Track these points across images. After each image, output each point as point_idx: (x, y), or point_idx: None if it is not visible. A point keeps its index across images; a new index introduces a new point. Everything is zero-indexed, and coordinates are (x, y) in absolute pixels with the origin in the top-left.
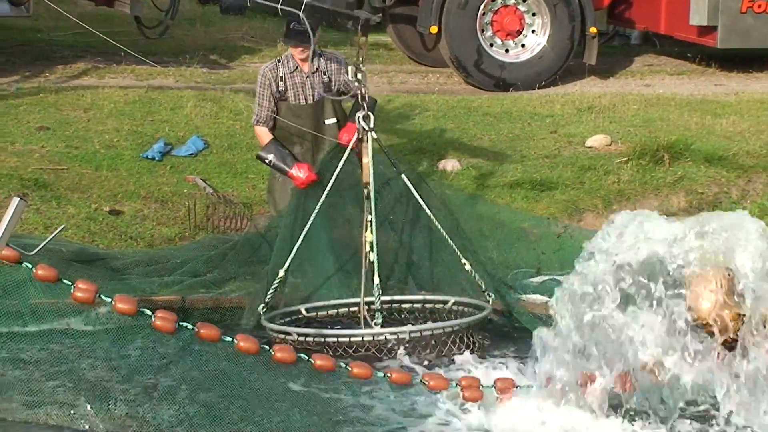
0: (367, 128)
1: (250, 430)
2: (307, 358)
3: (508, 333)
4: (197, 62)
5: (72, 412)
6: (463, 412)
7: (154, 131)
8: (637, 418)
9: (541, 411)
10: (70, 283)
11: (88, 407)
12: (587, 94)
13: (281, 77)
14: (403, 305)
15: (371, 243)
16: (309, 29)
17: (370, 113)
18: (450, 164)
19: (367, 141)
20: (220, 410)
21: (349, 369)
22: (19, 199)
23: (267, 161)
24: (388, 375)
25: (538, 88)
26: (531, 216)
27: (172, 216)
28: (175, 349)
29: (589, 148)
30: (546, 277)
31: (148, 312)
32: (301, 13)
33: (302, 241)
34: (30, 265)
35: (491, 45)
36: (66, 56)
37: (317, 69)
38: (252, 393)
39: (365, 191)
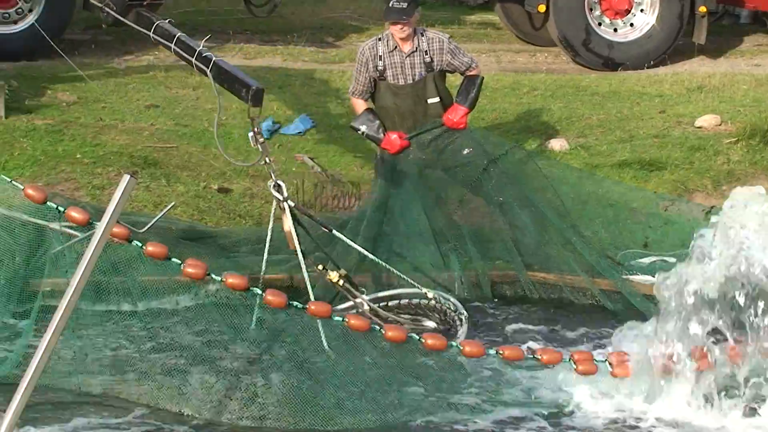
0: (281, 198)
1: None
2: (418, 338)
3: (612, 312)
4: (305, 41)
5: (179, 391)
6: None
7: (263, 110)
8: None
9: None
10: (179, 262)
11: (195, 386)
12: (696, 73)
13: (380, 56)
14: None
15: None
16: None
17: (280, 183)
18: (558, 143)
19: (284, 210)
20: (332, 393)
21: (461, 348)
22: (129, 176)
23: (359, 131)
24: (501, 352)
25: (647, 68)
26: (640, 193)
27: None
28: (284, 327)
29: (698, 128)
30: (655, 258)
31: (258, 291)
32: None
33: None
34: (140, 243)
35: (599, 24)
36: None
37: (417, 48)
38: (361, 373)
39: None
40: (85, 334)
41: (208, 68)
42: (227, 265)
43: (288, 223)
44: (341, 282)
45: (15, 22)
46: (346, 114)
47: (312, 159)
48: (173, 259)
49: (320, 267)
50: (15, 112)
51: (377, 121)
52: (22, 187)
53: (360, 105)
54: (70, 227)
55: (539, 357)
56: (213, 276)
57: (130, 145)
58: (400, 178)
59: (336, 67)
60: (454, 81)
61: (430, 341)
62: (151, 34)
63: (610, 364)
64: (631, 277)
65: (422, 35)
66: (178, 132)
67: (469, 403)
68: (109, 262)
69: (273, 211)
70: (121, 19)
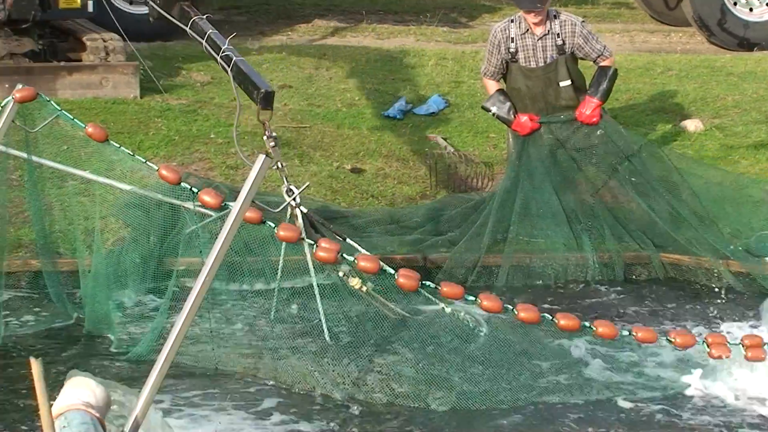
0: (294, 204)
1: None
2: (551, 318)
3: (745, 296)
4: (438, 21)
5: (314, 372)
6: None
7: (395, 90)
8: None
9: None
10: (312, 243)
11: (330, 368)
12: None
13: (512, 38)
14: None
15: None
16: None
17: (293, 188)
18: (693, 124)
19: (296, 216)
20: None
21: (594, 328)
22: (264, 156)
23: (490, 112)
24: (634, 333)
25: None
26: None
27: (413, 175)
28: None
29: None
30: None
31: (391, 270)
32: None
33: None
34: (273, 225)
35: (735, 3)
36: (308, 15)
37: (550, 31)
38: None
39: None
40: (219, 315)
41: (229, 67)
42: (360, 245)
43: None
44: (364, 288)
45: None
46: (479, 94)
47: (445, 139)
48: (306, 240)
49: (341, 273)
50: (150, 93)
51: (508, 103)
52: (157, 168)
53: (492, 86)
54: (205, 207)
55: (672, 339)
56: (345, 256)
57: None
58: (532, 159)
59: (469, 47)
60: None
61: (563, 321)
62: (188, 30)
63: (744, 347)
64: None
65: (555, 18)
66: (311, 112)
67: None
68: (242, 242)
69: (288, 217)
70: (164, 13)
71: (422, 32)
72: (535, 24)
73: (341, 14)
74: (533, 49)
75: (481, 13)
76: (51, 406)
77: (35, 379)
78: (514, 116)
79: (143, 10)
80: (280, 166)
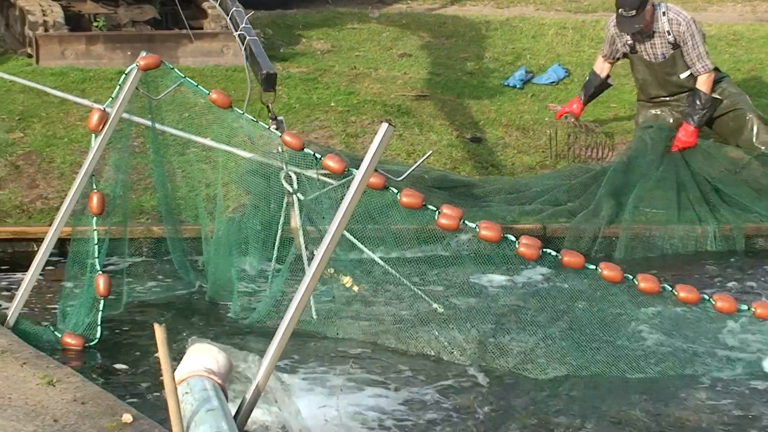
0: (291, 190)
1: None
2: (670, 288)
3: None
4: None
5: (439, 338)
6: None
7: (515, 59)
8: None
9: None
10: (434, 209)
11: (437, 335)
12: None
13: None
14: None
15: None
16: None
17: (291, 174)
18: None
19: (293, 204)
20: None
21: (713, 302)
22: (387, 124)
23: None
24: (753, 308)
25: None
26: None
27: (533, 144)
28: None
29: None
30: None
31: (512, 238)
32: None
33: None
34: (396, 191)
35: None
36: None
37: (658, 30)
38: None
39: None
40: (337, 282)
41: (243, 45)
42: (480, 214)
43: (296, 219)
44: (354, 286)
45: None
46: None
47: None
48: (429, 206)
49: (331, 270)
50: (270, 61)
51: (587, 89)
52: (280, 134)
53: (598, 63)
54: (326, 175)
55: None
56: (467, 223)
57: (384, 94)
58: (655, 134)
59: (589, 16)
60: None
61: (682, 294)
62: (216, 5)
63: None
64: None
65: (663, 15)
66: (431, 81)
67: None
68: (363, 209)
69: (285, 204)
70: None
71: (542, 1)
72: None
73: None
74: (644, 45)
75: None
76: (174, 372)
77: (159, 345)
78: (577, 104)
79: None
80: (280, 150)
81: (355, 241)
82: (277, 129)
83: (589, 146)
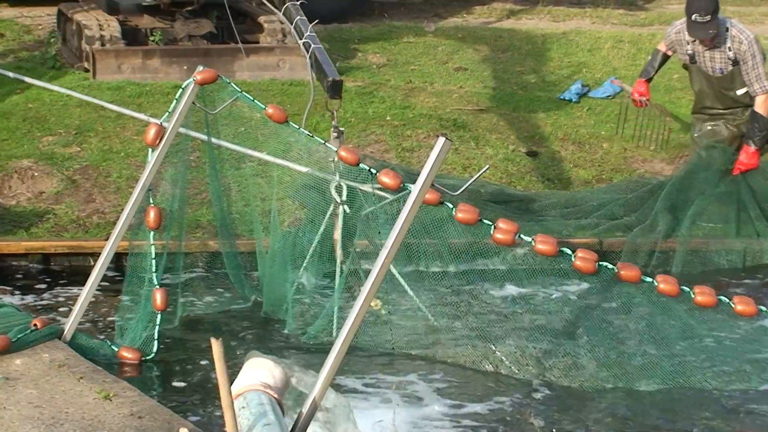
0: (339, 201)
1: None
2: (728, 301)
3: None
4: (614, 3)
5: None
6: None
7: (571, 73)
8: None
9: None
10: (490, 223)
11: (494, 349)
12: None
13: (687, 41)
14: None
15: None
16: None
17: (343, 184)
18: None
19: (337, 215)
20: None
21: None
22: (444, 139)
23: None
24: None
25: None
26: None
27: (589, 158)
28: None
29: None
30: None
31: (569, 251)
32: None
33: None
34: (451, 206)
35: None
36: None
37: (721, 44)
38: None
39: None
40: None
41: (308, 52)
42: (536, 228)
43: (338, 231)
44: (382, 309)
45: None
46: (657, 77)
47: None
48: (484, 221)
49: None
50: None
51: (653, 66)
52: (336, 149)
53: (661, 45)
54: (382, 189)
55: None
56: (523, 237)
57: (439, 108)
58: (713, 149)
59: (645, 30)
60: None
61: (740, 307)
62: (279, 14)
63: None
64: None
65: (726, 30)
66: (487, 95)
67: None
68: (420, 224)
69: (330, 211)
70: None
71: (598, 15)
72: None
73: None
74: (704, 58)
75: None
76: (230, 386)
77: (216, 359)
78: (640, 79)
79: None
80: (335, 160)
81: (397, 275)
82: (337, 138)
83: (644, 160)
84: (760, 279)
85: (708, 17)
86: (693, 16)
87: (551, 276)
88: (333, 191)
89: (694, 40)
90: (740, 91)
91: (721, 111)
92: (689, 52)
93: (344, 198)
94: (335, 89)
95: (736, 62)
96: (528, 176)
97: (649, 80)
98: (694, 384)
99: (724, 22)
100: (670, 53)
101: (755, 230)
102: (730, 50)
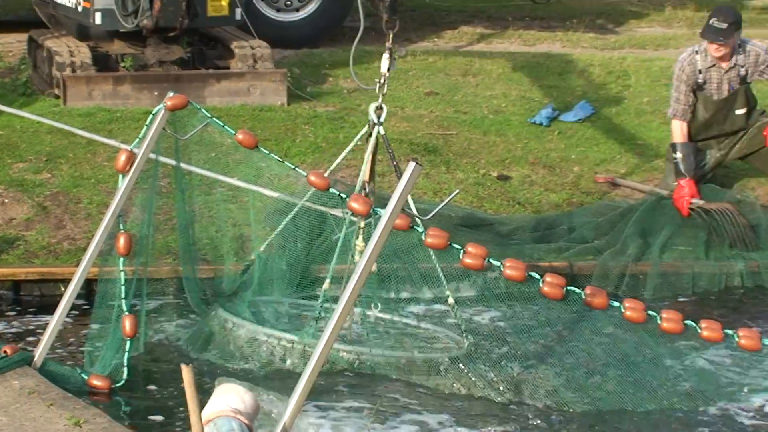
0: (376, 121)
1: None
2: (695, 325)
3: None
4: (584, 27)
5: (469, 374)
6: None
7: (542, 96)
8: None
9: None
10: (459, 248)
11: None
12: None
13: (699, 70)
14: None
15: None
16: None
17: (383, 105)
18: None
19: (372, 136)
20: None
21: (738, 338)
22: (415, 163)
23: (674, 157)
24: (737, 337)
25: None
26: None
27: (560, 182)
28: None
29: None
30: None
31: (537, 276)
32: None
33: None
34: (421, 230)
35: None
36: (453, 21)
37: (735, 64)
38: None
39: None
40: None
41: None
42: (507, 252)
43: (369, 150)
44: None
45: (297, 10)
46: (625, 101)
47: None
48: (454, 246)
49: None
50: (297, 99)
51: (693, 162)
52: (306, 174)
53: (679, 133)
54: (353, 214)
55: None
56: (492, 261)
57: (410, 132)
58: None
59: (616, 53)
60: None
61: (706, 332)
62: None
63: None
64: None
65: (741, 48)
66: (458, 119)
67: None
68: (390, 248)
69: (365, 131)
70: None
71: (569, 38)
72: (719, 58)
73: (487, 20)
74: (718, 83)
75: (628, 19)
76: (201, 411)
77: (186, 385)
78: (682, 180)
79: (290, 17)
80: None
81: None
82: (390, 59)
83: (615, 183)
84: (732, 301)
85: (725, 25)
86: (711, 20)
87: (521, 299)
88: (371, 112)
89: (710, 67)
90: (740, 111)
91: (711, 138)
92: (699, 81)
93: (382, 120)
94: (392, 8)
95: (744, 81)
96: (499, 200)
97: (694, 177)
98: (660, 406)
99: (743, 42)
100: (688, 135)
101: (725, 253)
102: (743, 67)
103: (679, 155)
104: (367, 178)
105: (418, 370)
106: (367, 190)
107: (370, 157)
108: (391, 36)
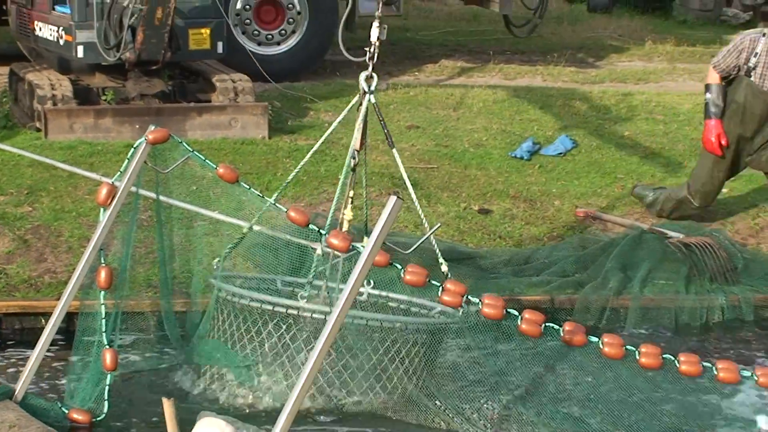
0: (366, 90)
1: None
2: (673, 358)
3: None
4: (565, 61)
5: (446, 411)
6: None
7: (523, 130)
8: None
9: None
10: (438, 284)
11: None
12: None
13: (757, 52)
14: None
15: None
16: None
17: (374, 74)
18: None
19: (362, 104)
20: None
21: (716, 371)
22: (396, 198)
23: (706, 97)
24: (715, 370)
25: None
26: None
27: (541, 215)
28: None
29: None
30: None
31: (515, 313)
32: None
33: None
34: (399, 266)
35: None
36: (434, 55)
37: None
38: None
39: (351, 161)
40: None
41: None
42: (487, 286)
43: (360, 118)
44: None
45: (278, 44)
46: (606, 134)
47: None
48: (433, 282)
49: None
50: (278, 133)
51: (722, 103)
52: (285, 210)
53: (714, 77)
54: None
55: None
56: (471, 299)
57: (392, 165)
58: None
59: (596, 87)
60: None
61: (684, 366)
62: None
63: None
64: None
65: None
66: (439, 152)
67: None
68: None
69: (356, 100)
70: None
71: (549, 72)
72: None
73: (468, 54)
74: (762, 72)
75: (608, 53)
76: None
77: (167, 418)
78: (713, 118)
79: (271, 50)
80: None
81: None
82: (379, 27)
83: (596, 217)
84: (712, 336)
85: None
86: None
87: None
88: (362, 80)
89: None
90: None
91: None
92: (751, 63)
93: (373, 88)
94: None
95: None
96: (480, 233)
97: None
98: None
99: None
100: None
101: (706, 287)
102: None
103: (710, 96)
104: (357, 146)
105: (395, 405)
106: (356, 159)
107: (361, 126)
108: (380, 3)
